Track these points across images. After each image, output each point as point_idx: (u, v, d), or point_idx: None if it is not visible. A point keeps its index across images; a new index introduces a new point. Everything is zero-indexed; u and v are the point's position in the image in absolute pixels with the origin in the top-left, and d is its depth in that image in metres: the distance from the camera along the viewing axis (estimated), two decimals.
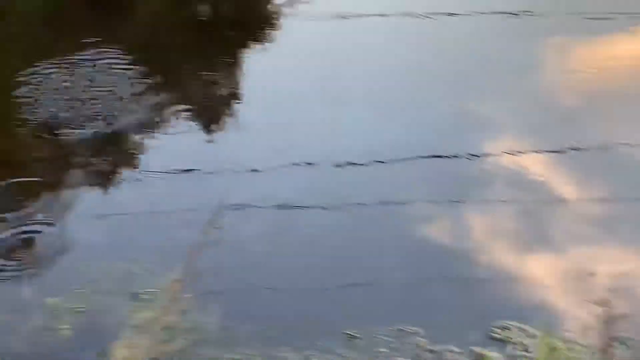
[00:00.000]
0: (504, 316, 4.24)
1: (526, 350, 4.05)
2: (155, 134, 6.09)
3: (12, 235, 4.92)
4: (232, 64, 7.42)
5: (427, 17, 8.16)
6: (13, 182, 5.44)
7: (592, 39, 7.59)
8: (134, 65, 6.91)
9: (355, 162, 5.67)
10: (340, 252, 4.85)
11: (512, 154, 5.80)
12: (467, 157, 5.76)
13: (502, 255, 4.78)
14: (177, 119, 6.32)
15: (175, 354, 4.05)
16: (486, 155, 5.80)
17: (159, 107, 6.42)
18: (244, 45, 7.85)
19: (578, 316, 4.17)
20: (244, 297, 4.44)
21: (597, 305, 3.82)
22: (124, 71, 6.82)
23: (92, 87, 6.61)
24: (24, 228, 4.97)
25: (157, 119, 6.26)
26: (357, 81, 6.92)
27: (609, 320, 3.43)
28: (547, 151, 5.82)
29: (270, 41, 7.90)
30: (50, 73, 6.89)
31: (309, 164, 5.66)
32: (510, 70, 7.08)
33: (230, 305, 4.32)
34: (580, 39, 7.64)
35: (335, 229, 5.04)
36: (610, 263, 4.65)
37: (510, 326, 4.20)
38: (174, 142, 5.98)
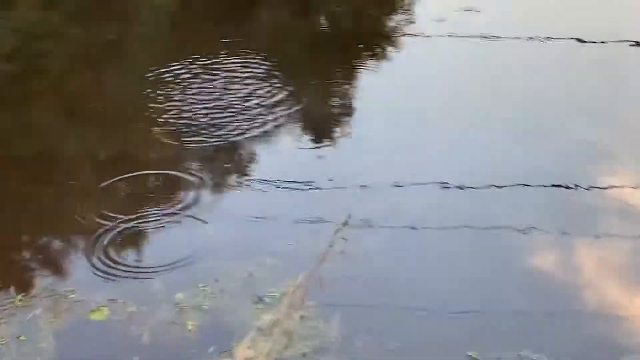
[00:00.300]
0: (633, 351, 4.15)
1: None
2: (280, 145, 6.21)
3: (139, 230, 5.12)
4: (356, 79, 7.50)
5: (552, 41, 8.07)
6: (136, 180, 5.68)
7: None
8: (264, 73, 7.10)
9: (475, 185, 5.64)
10: (458, 274, 4.80)
11: (635, 188, 5.66)
12: (587, 188, 5.65)
13: (624, 290, 4.67)
14: (302, 130, 6.44)
15: (295, 359, 4.11)
16: (607, 187, 5.66)
17: (285, 118, 6.56)
18: (369, 60, 7.94)
19: None
20: (365, 309, 4.46)
21: None
22: (253, 78, 7.01)
23: (223, 92, 6.82)
24: (152, 224, 5.17)
25: (282, 130, 6.38)
26: (482, 104, 6.90)
27: None
28: None
29: (396, 57, 7.96)
30: (180, 74, 7.15)
31: (433, 183, 5.66)
32: (637, 101, 6.93)
33: (351, 316, 4.35)
34: None
35: (455, 251, 5.01)
36: None
37: None
38: (299, 153, 6.09)
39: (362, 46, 8.20)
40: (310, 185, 5.61)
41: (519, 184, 5.66)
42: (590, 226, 5.23)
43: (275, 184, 5.61)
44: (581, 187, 5.64)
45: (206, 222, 5.17)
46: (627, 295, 4.61)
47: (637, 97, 6.93)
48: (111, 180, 5.60)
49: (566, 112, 6.73)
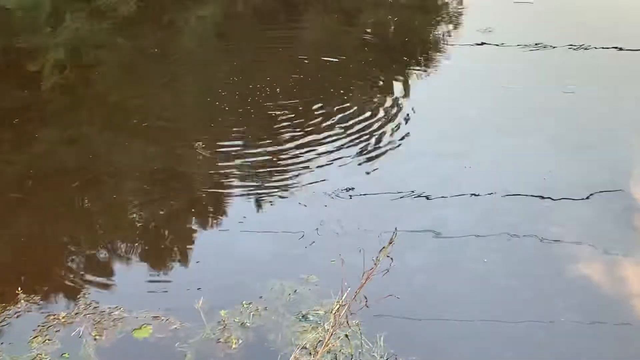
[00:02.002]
0: None
1: None
2: (324, 156, 6.17)
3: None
4: (405, 88, 7.43)
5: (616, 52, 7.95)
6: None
7: None
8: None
9: (524, 194, 5.54)
10: (505, 288, 4.71)
11: None
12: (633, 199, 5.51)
13: None
14: (347, 141, 6.39)
15: None
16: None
17: (330, 128, 6.53)
18: (419, 70, 7.88)
19: None
20: (410, 325, 4.39)
21: None
22: None
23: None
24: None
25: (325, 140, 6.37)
26: (532, 114, 6.80)
27: None
28: None
29: (448, 67, 7.90)
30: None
31: (478, 195, 5.57)
32: None
33: (397, 334, 4.29)
34: None
35: (501, 263, 4.91)
36: None
37: None
38: (343, 166, 6.03)
39: (413, 56, 8.18)
40: (353, 198, 5.56)
41: (570, 197, 5.54)
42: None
43: (318, 196, 5.57)
44: (633, 199, 5.51)
45: (244, 236, 5.17)
46: None
47: None
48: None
49: (624, 123, 6.60)
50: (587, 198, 5.53)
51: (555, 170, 5.88)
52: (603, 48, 8.15)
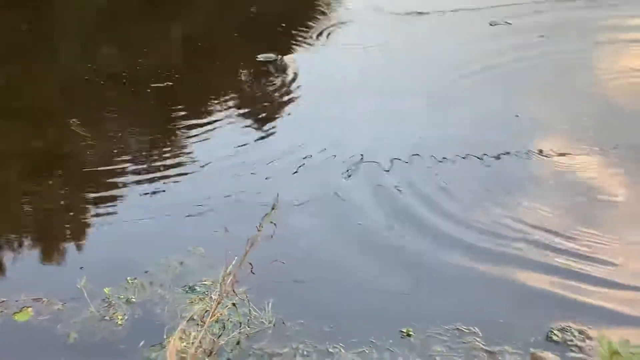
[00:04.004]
0: (564, 317, 4.16)
1: (585, 353, 3.96)
2: (210, 126, 6.12)
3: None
4: (288, 57, 7.42)
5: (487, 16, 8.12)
6: None
7: None
8: None
9: (403, 157, 5.62)
10: (387, 250, 4.77)
11: (566, 154, 5.68)
12: (518, 156, 5.66)
13: (562, 255, 4.68)
14: (229, 111, 6.35)
15: (229, 347, 4.03)
16: (537, 154, 5.68)
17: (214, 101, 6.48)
18: (301, 40, 7.87)
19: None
20: (297, 291, 4.41)
21: None
22: None
23: None
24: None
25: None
26: (413, 77, 6.91)
27: None
28: (599, 151, 5.69)
29: (329, 35, 7.92)
30: None
31: (362, 157, 5.63)
32: (565, 70, 6.98)
33: (284, 299, 4.30)
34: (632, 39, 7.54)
35: (384, 224, 4.99)
36: None
37: (570, 328, 4.11)
38: (227, 134, 6.00)
39: (293, 25, 8.14)
40: (237, 167, 5.54)
41: (450, 155, 5.65)
42: (520, 193, 5.26)
43: (202, 166, 5.53)
44: (512, 155, 5.65)
45: (131, 214, 5.08)
46: (563, 263, 4.62)
47: (567, 69, 6.99)
48: None
49: (498, 84, 6.77)
50: (464, 158, 5.65)
51: (438, 130, 6.01)
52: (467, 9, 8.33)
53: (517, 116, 6.19)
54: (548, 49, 7.42)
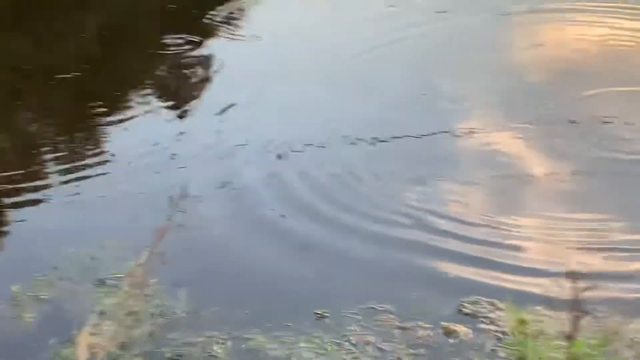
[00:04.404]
0: (475, 291, 4.24)
1: (496, 324, 4.04)
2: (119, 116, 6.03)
3: None
4: (197, 45, 7.35)
5: None
6: None
7: (558, 14, 7.59)
8: None
9: (317, 143, 5.62)
10: (302, 232, 4.79)
11: (481, 131, 5.76)
12: (435, 135, 5.72)
13: (472, 231, 4.76)
14: (139, 99, 6.27)
15: (143, 339, 3.99)
16: (454, 133, 5.76)
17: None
18: (209, 27, 7.80)
19: (547, 289, 4.16)
20: (210, 280, 4.39)
21: (565, 278, 3.81)
22: None
23: None
24: None
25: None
26: (320, 62, 6.90)
27: (577, 292, 3.44)
28: (515, 126, 5.79)
29: (237, 22, 7.86)
30: None
31: (272, 144, 5.62)
32: (471, 46, 7.06)
33: (197, 288, 4.27)
34: (544, 14, 7.66)
35: (295, 211, 4.99)
36: (579, 235, 4.67)
37: (480, 301, 4.19)
38: (138, 125, 5.92)
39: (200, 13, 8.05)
40: (147, 157, 5.48)
41: (365, 138, 5.68)
42: (440, 172, 5.32)
43: (112, 158, 5.45)
44: (429, 135, 5.71)
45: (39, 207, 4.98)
46: (473, 237, 4.70)
47: (478, 45, 7.07)
48: None
49: (408, 63, 6.82)
50: (374, 140, 5.69)
51: (352, 113, 6.03)
52: None
53: (424, 94, 6.25)
54: (452, 24, 7.48)
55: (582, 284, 3.44)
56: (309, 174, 5.31)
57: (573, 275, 3.50)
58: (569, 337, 3.43)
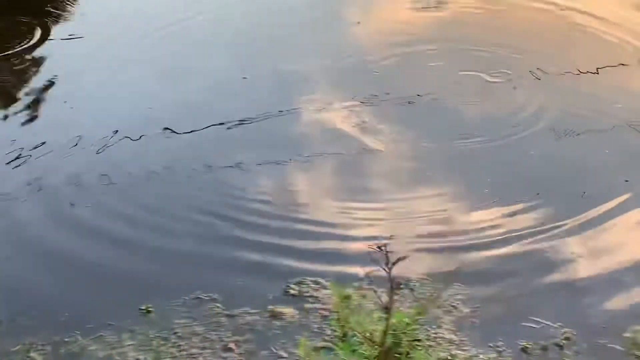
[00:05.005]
0: (300, 273, 4.26)
1: (321, 302, 4.09)
2: None
3: None
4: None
5: None
6: None
7: None
8: None
9: (134, 135, 5.49)
10: (119, 230, 4.67)
11: (326, 108, 5.76)
12: (282, 115, 5.68)
13: (298, 213, 4.77)
14: None
15: None
16: (301, 112, 5.74)
17: None
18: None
19: (367, 265, 4.20)
20: (25, 287, 4.22)
21: (382, 250, 3.89)
22: None
23: None
24: None
25: None
26: (144, 46, 6.77)
27: (392, 265, 3.52)
28: (358, 103, 5.82)
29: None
30: None
31: (80, 138, 5.46)
32: (311, 28, 7.04)
33: (11, 296, 4.10)
34: None
35: (110, 209, 4.87)
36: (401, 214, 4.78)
37: (306, 281, 4.22)
38: None
39: None
40: None
41: (200, 125, 5.58)
42: (288, 151, 5.30)
43: None
44: (275, 116, 5.65)
45: None
46: (300, 215, 4.72)
47: (313, 25, 7.04)
48: None
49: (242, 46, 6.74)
50: (203, 128, 5.61)
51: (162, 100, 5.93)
52: None
53: (245, 78, 6.21)
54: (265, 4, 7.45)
55: (395, 258, 3.53)
56: (123, 169, 5.17)
57: (387, 251, 3.59)
58: (386, 309, 3.52)
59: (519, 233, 4.54)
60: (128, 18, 7.38)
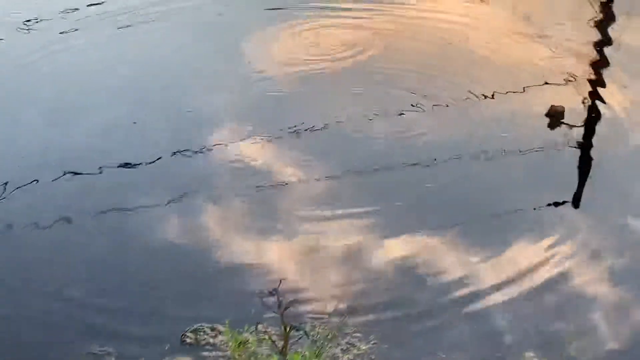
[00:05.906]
0: (196, 319, 4.20)
1: (218, 349, 4.03)
2: None
3: None
4: None
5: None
6: None
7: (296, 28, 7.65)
8: None
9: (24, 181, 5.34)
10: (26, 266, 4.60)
11: (234, 144, 5.73)
12: (189, 154, 5.61)
13: (181, 254, 4.73)
14: None
15: None
16: (209, 148, 5.69)
17: None
18: None
19: (260, 309, 4.17)
20: None
21: (273, 294, 3.87)
22: None
23: None
24: None
25: None
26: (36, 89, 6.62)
27: (282, 308, 3.51)
28: (267, 137, 5.81)
29: None
30: None
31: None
32: (218, 63, 6.94)
33: None
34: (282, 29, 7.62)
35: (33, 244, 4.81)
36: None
37: (202, 328, 4.15)
38: None
39: None
40: None
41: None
42: (198, 188, 5.26)
43: None
44: (183, 154, 5.59)
45: None
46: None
47: (220, 61, 6.98)
48: None
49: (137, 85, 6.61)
50: (100, 170, 5.50)
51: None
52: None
53: (135, 123, 6.09)
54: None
55: (287, 300, 3.52)
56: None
57: (278, 293, 3.58)
58: (282, 352, 3.51)
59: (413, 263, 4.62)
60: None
